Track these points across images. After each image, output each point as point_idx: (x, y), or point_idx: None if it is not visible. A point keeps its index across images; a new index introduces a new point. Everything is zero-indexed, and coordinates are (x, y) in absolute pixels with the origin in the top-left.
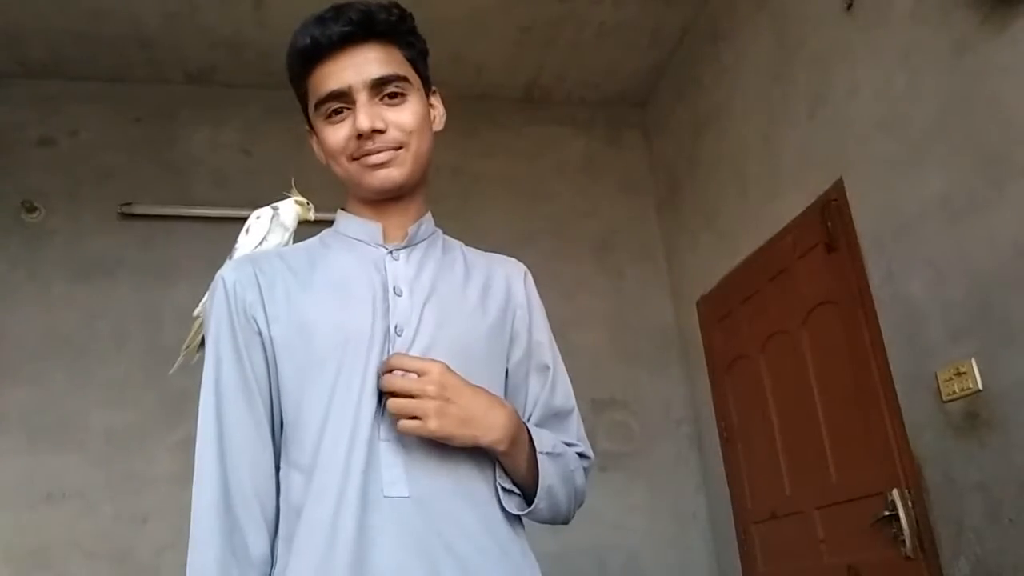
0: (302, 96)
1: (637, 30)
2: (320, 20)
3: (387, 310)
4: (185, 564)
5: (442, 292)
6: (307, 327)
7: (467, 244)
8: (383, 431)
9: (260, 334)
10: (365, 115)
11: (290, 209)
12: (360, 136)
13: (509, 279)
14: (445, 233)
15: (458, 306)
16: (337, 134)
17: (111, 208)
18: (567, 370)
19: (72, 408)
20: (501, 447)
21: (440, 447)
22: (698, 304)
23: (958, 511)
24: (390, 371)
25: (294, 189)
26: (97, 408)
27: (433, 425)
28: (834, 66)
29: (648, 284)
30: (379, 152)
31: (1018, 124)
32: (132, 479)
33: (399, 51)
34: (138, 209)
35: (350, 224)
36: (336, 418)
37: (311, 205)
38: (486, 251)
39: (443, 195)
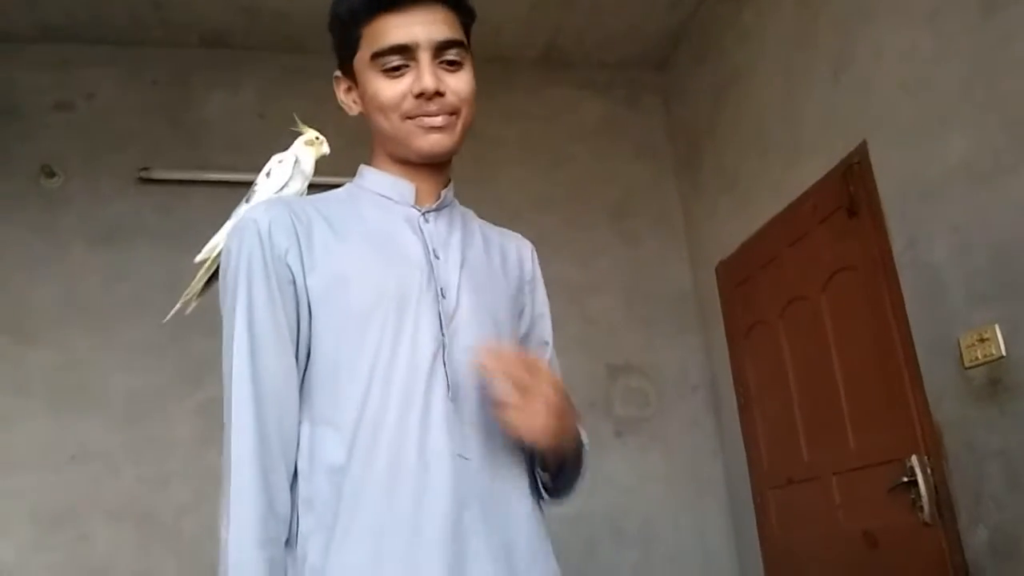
0: (350, 41)
1: None
2: None
3: (430, 272)
4: (209, 523)
5: (470, 259)
6: (348, 281)
7: (485, 208)
8: (440, 393)
9: (294, 283)
10: (431, 76)
11: (309, 156)
12: (420, 95)
13: (520, 253)
14: (463, 197)
15: (486, 274)
16: (394, 88)
17: (129, 173)
18: (583, 335)
19: (94, 372)
20: (571, 445)
21: (488, 412)
22: (717, 269)
23: (977, 478)
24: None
25: (301, 124)
26: (118, 371)
27: (540, 423)
28: (858, 28)
29: (666, 249)
30: (437, 115)
31: None
32: (154, 441)
33: (458, 17)
34: (156, 174)
35: (381, 181)
36: (385, 377)
37: (323, 139)
38: (499, 221)
39: (460, 159)
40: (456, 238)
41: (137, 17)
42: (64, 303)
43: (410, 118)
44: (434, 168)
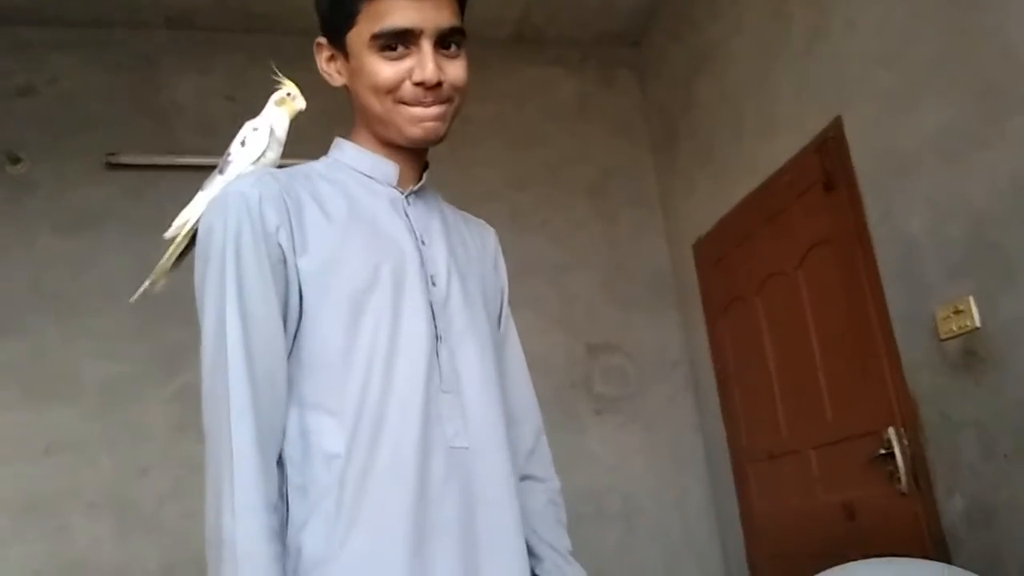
0: (345, 12)
1: None
2: None
3: (420, 258)
4: (191, 511)
5: (452, 243)
6: (341, 263)
7: (462, 187)
8: (443, 382)
9: (284, 261)
10: (434, 66)
11: (283, 121)
12: (420, 84)
13: (483, 239)
14: (439, 176)
15: (466, 259)
16: (392, 71)
17: (96, 158)
18: (563, 314)
19: (65, 361)
20: None
21: (489, 402)
22: (694, 247)
23: (953, 448)
24: None
25: (282, 78)
26: (90, 360)
27: None
28: (831, 1)
29: (643, 228)
30: (434, 105)
31: (1019, 57)
32: (129, 430)
33: (458, 2)
34: (124, 159)
35: (363, 159)
36: (385, 367)
37: (295, 94)
38: (475, 199)
39: None
40: (436, 223)
41: None
42: (33, 291)
43: (404, 103)
44: (416, 151)
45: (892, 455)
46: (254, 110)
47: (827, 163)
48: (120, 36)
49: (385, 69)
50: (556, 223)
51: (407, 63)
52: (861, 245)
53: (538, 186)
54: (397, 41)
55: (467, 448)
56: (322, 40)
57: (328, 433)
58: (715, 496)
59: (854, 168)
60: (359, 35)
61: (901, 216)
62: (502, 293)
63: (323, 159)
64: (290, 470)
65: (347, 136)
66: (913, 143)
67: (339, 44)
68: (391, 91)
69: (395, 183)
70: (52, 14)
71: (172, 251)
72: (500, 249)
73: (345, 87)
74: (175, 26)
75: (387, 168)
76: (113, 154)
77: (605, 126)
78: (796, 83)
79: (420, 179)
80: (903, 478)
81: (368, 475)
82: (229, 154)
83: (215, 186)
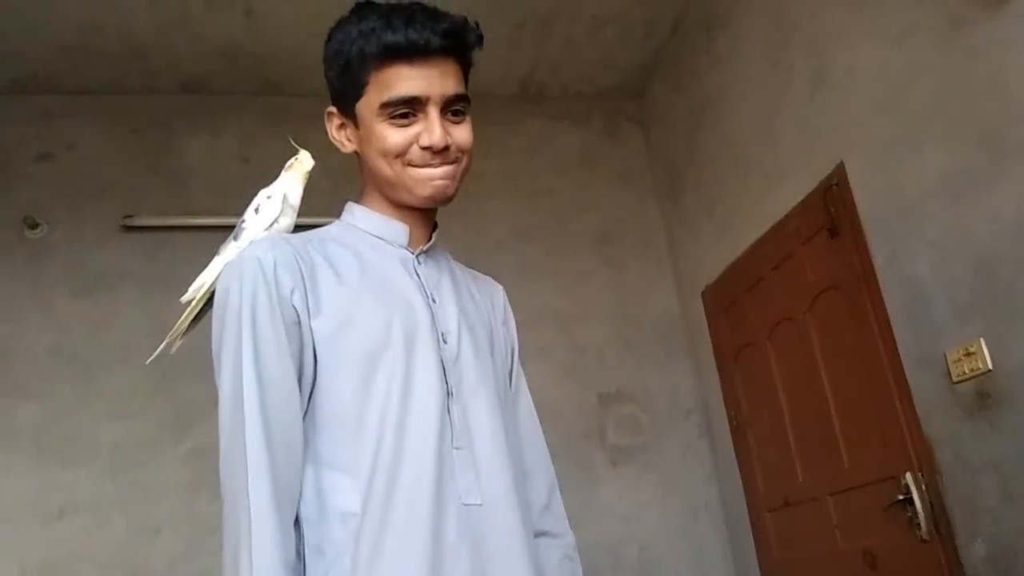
0: (355, 83)
1: (630, 21)
2: (410, 20)
3: (431, 316)
4: (205, 572)
5: (462, 301)
6: (354, 323)
7: (470, 240)
8: (455, 439)
9: (299, 324)
10: (441, 131)
11: (297, 188)
12: (427, 148)
13: (492, 298)
14: (447, 230)
15: (476, 316)
16: (400, 136)
17: (112, 221)
18: (573, 364)
19: (81, 422)
20: None
21: (501, 457)
22: (703, 294)
23: (972, 492)
24: None
25: (295, 145)
26: (105, 421)
27: None
28: (830, 49)
29: (651, 276)
30: (442, 166)
31: (1018, 100)
32: (143, 491)
33: (462, 69)
34: (139, 221)
35: (375, 222)
36: (397, 425)
37: (303, 157)
38: (484, 251)
39: None
40: (447, 281)
41: (116, 66)
42: (49, 353)
43: (412, 165)
44: (426, 212)
45: (911, 500)
46: (266, 171)
47: (832, 209)
48: (136, 101)
49: (394, 135)
50: (564, 274)
51: (415, 128)
52: (869, 289)
53: (546, 237)
54: (405, 108)
55: (480, 504)
56: (332, 109)
57: (343, 492)
58: (732, 545)
59: (859, 213)
60: (368, 104)
61: (907, 259)
62: (513, 350)
63: (335, 223)
64: (306, 529)
65: (358, 200)
66: (916, 186)
67: (349, 113)
68: (400, 155)
69: (406, 243)
70: (70, 82)
71: (188, 313)
72: (509, 306)
73: (355, 153)
74: (189, 90)
75: (397, 229)
76: (129, 216)
77: (611, 177)
78: (798, 130)
79: (430, 239)
80: (923, 524)
81: (382, 533)
82: (243, 221)
83: (229, 252)
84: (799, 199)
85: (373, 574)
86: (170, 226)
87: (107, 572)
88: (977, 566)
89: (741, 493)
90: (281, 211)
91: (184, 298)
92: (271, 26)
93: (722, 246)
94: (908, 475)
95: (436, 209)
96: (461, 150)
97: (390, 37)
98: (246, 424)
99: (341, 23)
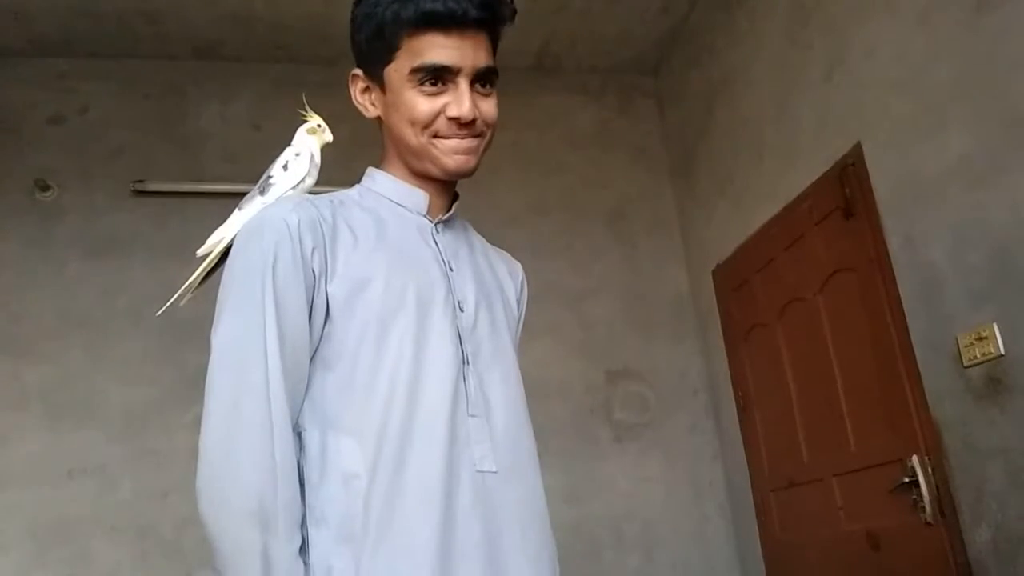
0: (386, 47)
1: None
2: None
3: (448, 284)
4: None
5: (479, 271)
6: (369, 285)
7: (483, 213)
8: (471, 406)
9: (315, 286)
10: (471, 104)
11: (317, 148)
12: (454, 119)
13: (511, 272)
14: (461, 200)
15: (492, 286)
16: (429, 106)
17: (124, 186)
18: (582, 340)
19: (91, 385)
20: None
21: (517, 427)
22: (714, 273)
23: (979, 477)
24: None
25: (309, 110)
26: (115, 385)
27: None
28: (850, 29)
29: (662, 254)
30: (468, 138)
31: None
32: (152, 454)
33: (493, 43)
34: (150, 186)
35: (395, 188)
36: (408, 387)
37: (325, 127)
38: (497, 225)
39: None
40: (464, 251)
41: (130, 30)
42: (60, 317)
43: (438, 136)
44: (447, 182)
45: (916, 483)
46: (278, 138)
47: (847, 190)
48: (149, 66)
49: (422, 103)
50: (576, 249)
51: (443, 99)
52: (882, 272)
53: (558, 212)
54: (436, 77)
55: (495, 472)
56: (358, 72)
57: (348, 453)
58: (736, 525)
59: (875, 195)
60: (398, 69)
61: (922, 243)
62: (518, 326)
63: (356, 187)
64: (308, 494)
65: (378, 166)
66: (934, 169)
67: (376, 77)
68: (427, 125)
69: (425, 211)
70: (84, 46)
71: (204, 267)
72: (526, 287)
73: (377, 119)
74: (202, 56)
75: (418, 197)
76: (140, 181)
77: (624, 153)
78: (815, 109)
79: (450, 209)
80: (928, 507)
81: (394, 498)
82: (271, 176)
83: (254, 206)
84: (814, 179)
85: (384, 541)
86: (181, 192)
87: (115, 533)
88: (981, 550)
89: (746, 473)
90: (308, 170)
91: (201, 251)
92: None
93: (734, 225)
94: (915, 458)
95: (456, 181)
96: (487, 124)
97: (428, 4)
98: (270, 381)
99: None
